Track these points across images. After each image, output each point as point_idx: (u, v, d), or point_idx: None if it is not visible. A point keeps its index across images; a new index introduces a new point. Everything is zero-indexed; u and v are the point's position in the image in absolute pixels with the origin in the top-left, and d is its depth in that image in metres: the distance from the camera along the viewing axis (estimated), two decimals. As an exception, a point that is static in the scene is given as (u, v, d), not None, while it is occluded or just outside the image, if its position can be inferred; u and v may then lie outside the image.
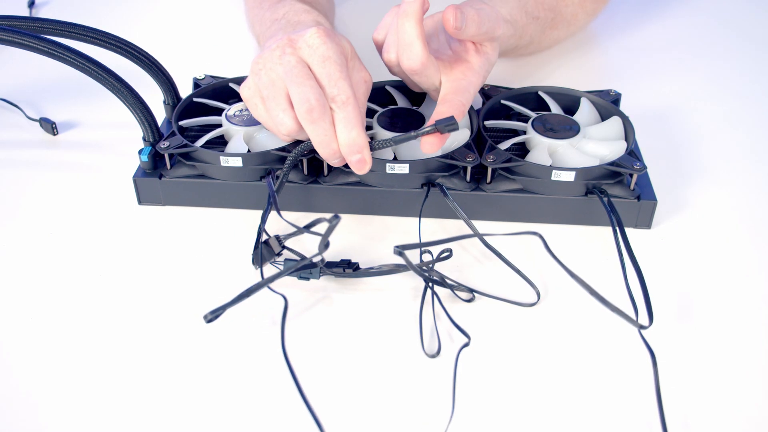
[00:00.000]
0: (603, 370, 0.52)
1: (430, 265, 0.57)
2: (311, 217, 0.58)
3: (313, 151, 0.60)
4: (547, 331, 0.55)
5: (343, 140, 0.56)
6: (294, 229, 0.58)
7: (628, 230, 0.62)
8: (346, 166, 0.60)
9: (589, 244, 0.62)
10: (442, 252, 0.57)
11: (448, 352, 0.53)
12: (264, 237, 0.58)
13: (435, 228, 0.63)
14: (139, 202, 0.66)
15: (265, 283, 0.51)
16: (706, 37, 0.93)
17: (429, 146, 0.58)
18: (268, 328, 0.55)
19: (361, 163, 0.57)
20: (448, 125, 0.57)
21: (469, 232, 0.59)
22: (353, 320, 0.56)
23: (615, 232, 0.58)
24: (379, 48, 0.64)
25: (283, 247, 0.58)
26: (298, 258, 0.58)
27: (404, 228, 0.63)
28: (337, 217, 0.49)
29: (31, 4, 0.99)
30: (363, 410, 0.50)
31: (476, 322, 0.55)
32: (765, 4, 1.00)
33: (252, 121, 0.65)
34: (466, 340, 0.53)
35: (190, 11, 1.00)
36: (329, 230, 0.50)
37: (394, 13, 0.63)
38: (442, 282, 0.56)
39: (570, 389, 0.51)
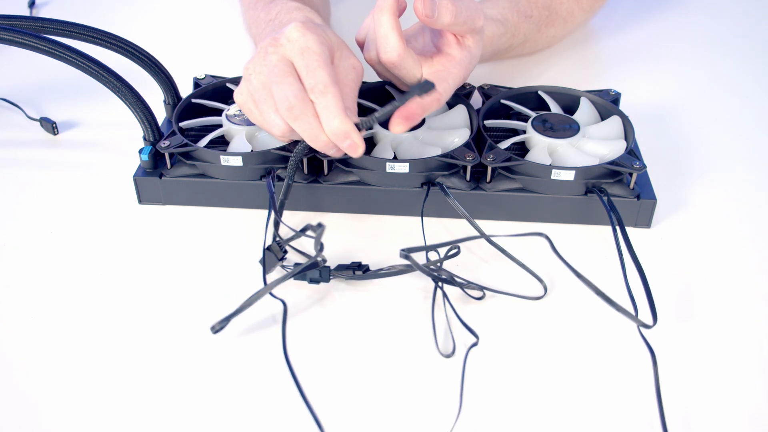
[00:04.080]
0: (606, 367, 0.52)
1: (438, 265, 0.57)
2: (311, 216, 0.58)
3: (312, 149, 0.60)
4: (553, 329, 0.55)
5: (329, 129, 0.56)
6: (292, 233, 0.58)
7: (628, 229, 0.62)
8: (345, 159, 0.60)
9: (588, 243, 0.62)
10: (450, 249, 0.57)
11: (457, 350, 0.53)
12: (267, 243, 0.58)
13: (437, 227, 0.63)
14: (140, 201, 0.66)
15: (266, 290, 0.51)
16: (706, 36, 0.94)
17: (402, 121, 0.59)
18: (272, 327, 0.55)
19: (352, 147, 0.57)
20: (423, 88, 0.56)
21: (473, 231, 0.59)
22: (362, 321, 0.56)
23: (615, 231, 0.58)
24: (362, 49, 0.65)
25: (285, 252, 0.58)
26: (305, 259, 0.58)
27: (405, 227, 0.63)
28: (320, 226, 0.50)
29: (32, 4, 0.99)
30: (372, 409, 0.50)
31: (483, 321, 0.55)
32: (765, 4, 1.00)
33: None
34: (474, 338, 0.53)
35: (190, 11, 1.01)
36: (318, 236, 0.50)
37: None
38: (451, 281, 0.56)
39: (575, 387, 0.51)
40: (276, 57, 0.56)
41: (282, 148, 0.62)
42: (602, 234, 0.62)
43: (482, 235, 0.58)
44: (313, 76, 0.55)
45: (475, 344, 0.53)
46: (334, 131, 0.56)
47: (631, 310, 0.53)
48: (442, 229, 0.63)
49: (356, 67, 0.60)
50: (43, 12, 0.99)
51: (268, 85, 0.57)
